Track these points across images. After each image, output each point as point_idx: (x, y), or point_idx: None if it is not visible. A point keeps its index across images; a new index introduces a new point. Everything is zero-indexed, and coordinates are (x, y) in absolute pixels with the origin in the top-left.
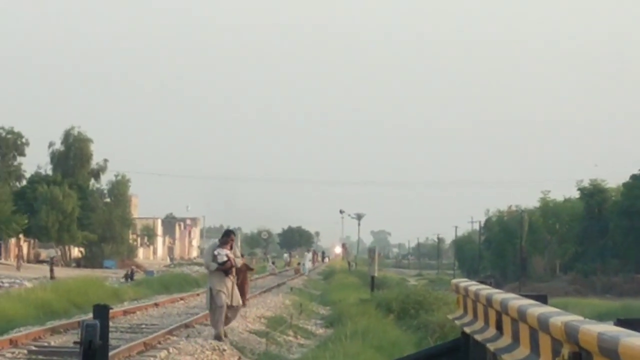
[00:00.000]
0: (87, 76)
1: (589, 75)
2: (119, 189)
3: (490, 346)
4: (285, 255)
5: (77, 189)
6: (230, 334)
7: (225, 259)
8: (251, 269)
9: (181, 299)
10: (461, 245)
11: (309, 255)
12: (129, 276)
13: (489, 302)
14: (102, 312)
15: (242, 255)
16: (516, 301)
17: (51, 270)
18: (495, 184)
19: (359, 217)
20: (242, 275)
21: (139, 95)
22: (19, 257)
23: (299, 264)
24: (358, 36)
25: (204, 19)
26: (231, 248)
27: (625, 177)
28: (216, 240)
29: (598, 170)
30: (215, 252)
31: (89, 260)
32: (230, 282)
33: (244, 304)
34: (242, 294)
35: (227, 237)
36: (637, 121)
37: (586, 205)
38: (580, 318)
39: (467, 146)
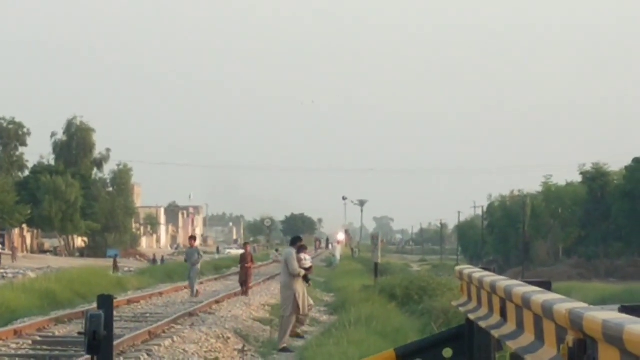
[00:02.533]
0: (89, 66)
1: (591, 60)
2: (122, 178)
3: (495, 333)
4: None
5: (80, 179)
6: (235, 321)
7: (309, 264)
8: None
9: (185, 287)
10: (464, 230)
11: (339, 247)
12: (154, 260)
13: (493, 289)
14: (106, 302)
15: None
16: (520, 288)
17: (115, 266)
18: (498, 169)
19: (362, 203)
20: (247, 265)
21: (141, 85)
22: (14, 247)
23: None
24: (358, 22)
25: (205, 7)
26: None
27: (627, 161)
28: (289, 249)
29: (600, 153)
30: (302, 257)
31: (93, 250)
32: (306, 287)
33: (246, 293)
34: (246, 283)
35: (299, 241)
36: (639, 105)
37: (589, 189)
38: (585, 305)
39: (469, 132)
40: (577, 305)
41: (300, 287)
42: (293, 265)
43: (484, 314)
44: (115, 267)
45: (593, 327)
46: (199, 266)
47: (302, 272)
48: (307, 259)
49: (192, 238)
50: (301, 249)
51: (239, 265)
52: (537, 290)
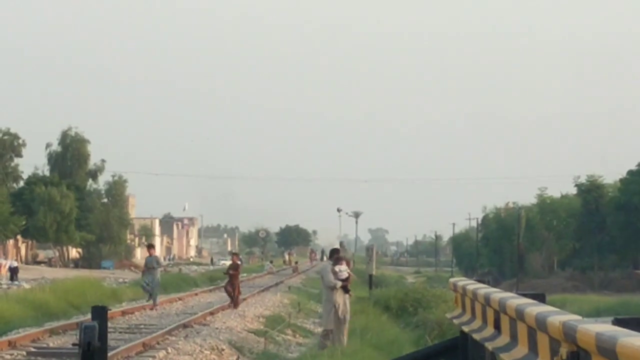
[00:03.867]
0: (84, 76)
1: (585, 71)
2: (117, 189)
3: (489, 345)
4: (286, 254)
5: (75, 190)
6: (229, 333)
7: (346, 275)
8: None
9: (179, 299)
10: (459, 242)
11: (344, 267)
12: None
13: (487, 301)
14: (100, 313)
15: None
16: (514, 300)
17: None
18: (493, 180)
19: (357, 215)
20: (234, 277)
21: (135, 96)
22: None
23: (296, 262)
24: (354, 33)
25: (200, 18)
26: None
27: (622, 173)
28: (325, 263)
29: (595, 166)
30: (337, 269)
31: (87, 261)
32: (347, 298)
33: (236, 306)
34: (236, 295)
35: (337, 254)
36: (633, 117)
37: (583, 201)
38: (578, 317)
39: (464, 143)
40: (571, 317)
41: (340, 298)
42: (328, 277)
43: (478, 326)
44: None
45: (586, 339)
46: (158, 276)
47: (339, 284)
48: (342, 270)
49: (151, 246)
50: (338, 260)
51: (228, 275)
52: (531, 302)
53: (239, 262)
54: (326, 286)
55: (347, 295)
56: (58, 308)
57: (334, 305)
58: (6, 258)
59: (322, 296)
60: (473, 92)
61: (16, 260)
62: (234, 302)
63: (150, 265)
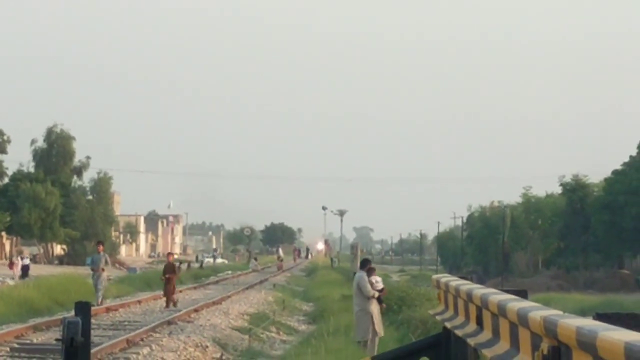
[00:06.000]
0: (70, 73)
1: (571, 72)
2: (102, 186)
3: (471, 341)
4: (280, 250)
5: (60, 187)
6: (213, 330)
7: (381, 286)
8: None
9: (161, 297)
10: (443, 241)
11: (379, 277)
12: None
13: (469, 297)
14: (83, 309)
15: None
16: (496, 296)
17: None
18: (478, 179)
19: (342, 213)
20: (171, 280)
21: (121, 93)
22: None
23: (281, 260)
24: (339, 32)
25: (185, 17)
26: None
27: (607, 172)
28: (360, 273)
29: (580, 165)
30: (374, 280)
31: (72, 258)
32: (379, 309)
33: (175, 305)
34: (171, 294)
35: (369, 264)
36: (618, 117)
37: (568, 200)
38: (559, 312)
39: (449, 142)
40: (552, 312)
41: (375, 308)
42: (367, 287)
43: (460, 323)
44: (188, 267)
45: (567, 333)
46: (105, 274)
47: (376, 294)
48: (378, 281)
49: (100, 243)
50: (370, 271)
51: (163, 278)
52: (512, 298)
53: (175, 264)
54: (364, 296)
55: (380, 306)
56: (42, 305)
57: (371, 315)
58: (18, 256)
59: (354, 307)
60: (459, 92)
61: (27, 257)
62: (169, 301)
63: (98, 263)
